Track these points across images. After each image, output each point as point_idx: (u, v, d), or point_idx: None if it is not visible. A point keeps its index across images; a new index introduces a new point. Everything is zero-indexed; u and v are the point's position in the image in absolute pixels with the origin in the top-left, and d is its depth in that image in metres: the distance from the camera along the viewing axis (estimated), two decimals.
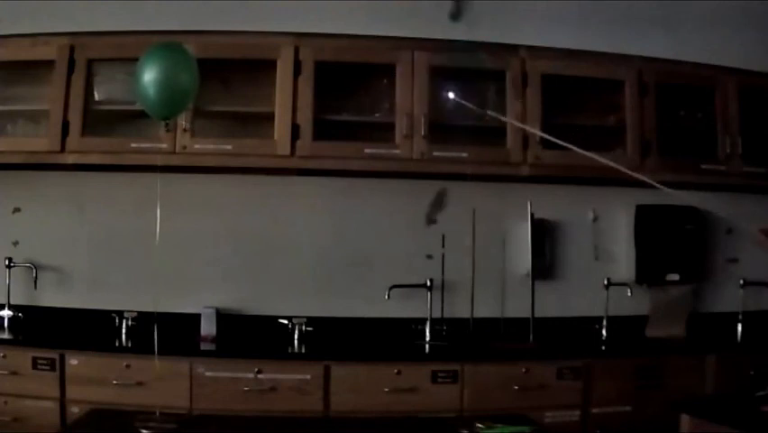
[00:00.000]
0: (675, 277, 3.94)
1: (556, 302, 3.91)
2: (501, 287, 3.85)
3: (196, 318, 3.62)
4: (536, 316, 3.83)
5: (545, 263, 3.92)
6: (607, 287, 3.86)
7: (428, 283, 3.80)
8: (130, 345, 3.43)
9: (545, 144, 3.64)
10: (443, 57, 3.64)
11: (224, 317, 3.66)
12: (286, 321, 3.65)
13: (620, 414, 3.36)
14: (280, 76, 3.55)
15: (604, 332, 3.86)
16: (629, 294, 3.84)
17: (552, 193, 3.91)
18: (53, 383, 3.18)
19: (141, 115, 3.28)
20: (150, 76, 2.52)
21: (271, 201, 3.86)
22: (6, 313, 3.62)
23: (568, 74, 3.71)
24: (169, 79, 2.53)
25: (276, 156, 3.54)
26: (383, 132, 3.67)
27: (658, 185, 2.47)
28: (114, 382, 3.17)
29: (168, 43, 2.71)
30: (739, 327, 3.96)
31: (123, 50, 3.46)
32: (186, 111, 3.13)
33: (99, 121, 3.56)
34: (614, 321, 3.86)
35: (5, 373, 3.19)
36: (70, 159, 3.49)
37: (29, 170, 3.72)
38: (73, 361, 3.20)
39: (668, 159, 3.74)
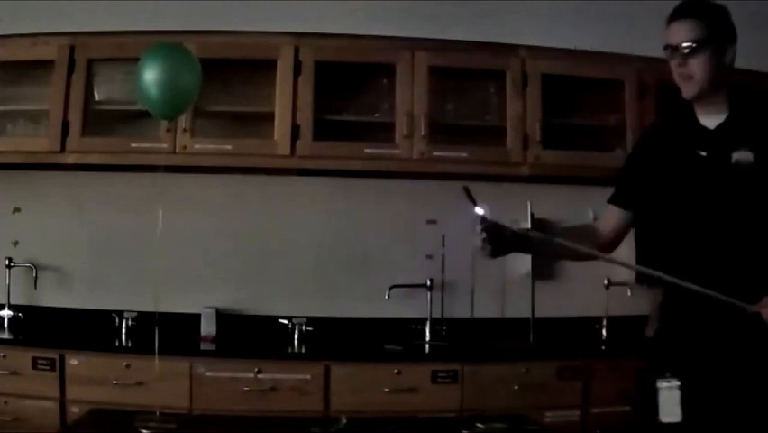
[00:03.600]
0: None
1: (556, 302, 3.91)
2: (501, 287, 3.85)
3: (196, 318, 3.62)
4: (536, 316, 3.83)
5: (545, 263, 3.91)
6: (607, 287, 3.86)
7: (428, 283, 3.80)
8: (130, 345, 3.43)
9: (545, 144, 3.65)
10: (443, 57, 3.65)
11: (223, 317, 3.66)
12: (286, 321, 3.65)
13: (620, 414, 3.35)
14: (280, 76, 3.55)
15: (604, 332, 3.86)
16: (629, 294, 3.84)
17: (552, 193, 3.90)
18: (53, 383, 3.18)
19: (141, 115, 3.30)
20: (152, 76, 2.52)
21: (271, 201, 3.86)
22: (6, 313, 3.62)
23: (568, 74, 3.71)
24: (171, 80, 2.53)
25: (276, 156, 3.54)
26: (383, 132, 3.68)
27: None
28: (114, 382, 3.17)
29: (170, 43, 2.72)
30: None
31: (123, 50, 3.46)
32: (186, 110, 3.13)
33: (99, 121, 3.56)
34: (614, 321, 3.86)
35: (5, 373, 3.19)
36: (70, 159, 3.49)
37: (29, 170, 3.72)
38: (73, 361, 3.20)
39: None
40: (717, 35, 2.12)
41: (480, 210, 2.07)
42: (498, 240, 2.14)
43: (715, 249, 2.09)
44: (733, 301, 1.98)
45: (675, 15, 2.15)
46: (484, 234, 2.10)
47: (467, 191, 2.06)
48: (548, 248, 2.34)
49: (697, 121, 2.19)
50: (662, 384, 2.11)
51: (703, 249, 2.11)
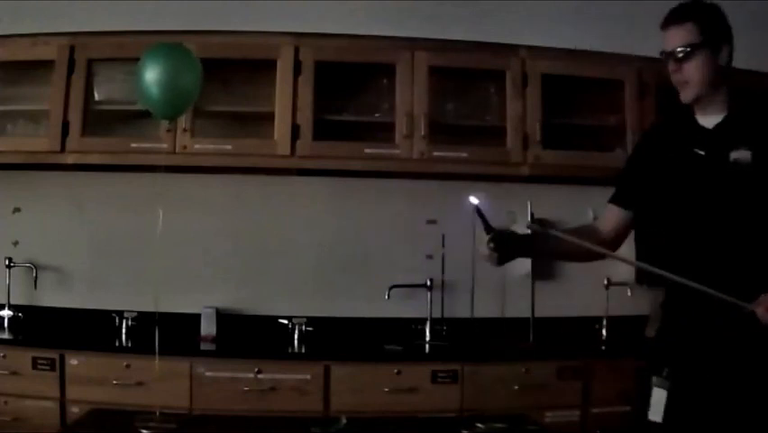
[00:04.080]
0: None
1: (556, 302, 3.91)
2: (501, 287, 3.85)
3: (196, 318, 3.62)
4: (536, 316, 3.83)
5: (545, 263, 3.91)
6: (607, 287, 3.86)
7: (428, 283, 3.80)
8: (130, 345, 3.43)
9: (545, 144, 3.65)
10: (443, 57, 3.65)
11: (223, 317, 3.66)
12: (286, 321, 3.65)
13: (620, 414, 3.35)
14: (280, 76, 3.55)
15: (604, 332, 3.86)
16: (629, 294, 3.84)
17: (552, 193, 3.90)
18: (53, 383, 3.18)
19: (141, 115, 3.31)
20: (153, 76, 2.52)
21: (271, 201, 3.86)
22: (6, 313, 3.62)
23: (568, 74, 3.71)
24: (172, 79, 2.53)
25: (276, 156, 3.54)
26: (383, 132, 3.68)
27: None
28: (114, 382, 3.17)
29: (170, 43, 2.72)
30: None
31: (123, 50, 3.46)
32: (187, 111, 3.13)
33: (99, 121, 3.56)
34: (614, 321, 3.86)
35: (5, 373, 3.19)
36: (70, 159, 3.49)
37: (29, 170, 3.72)
38: (73, 361, 3.20)
39: None
40: (711, 36, 2.12)
41: (475, 200, 2.06)
42: (505, 248, 2.15)
43: (714, 248, 2.09)
44: (729, 299, 1.98)
45: (667, 21, 2.16)
46: (492, 245, 2.10)
47: (480, 214, 2.06)
48: (549, 247, 2.33)
49: (695, 121, 2.20)
50: (655, 383, 2.12)
51: (702, 248, 2.11)
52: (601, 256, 2.32)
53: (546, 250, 2.31)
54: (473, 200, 2.05)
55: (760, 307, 1.95)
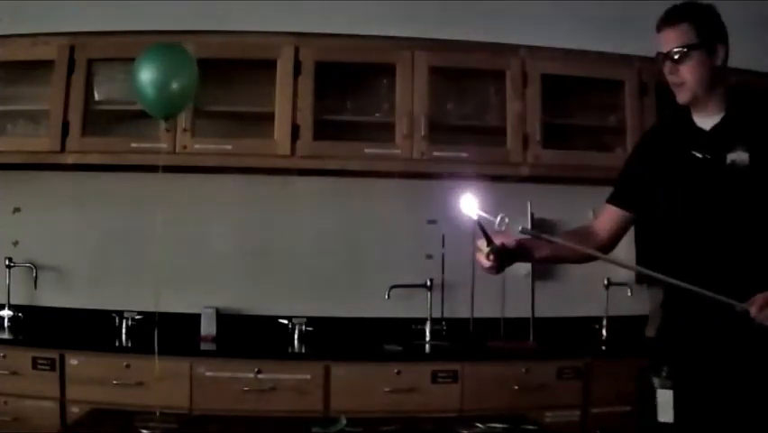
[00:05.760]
0: None
1: (556, 302, 3.91)
2: (501, 287, 3.85)
3: (196, 318, 3.62)
4: (536, 316, 3.83)
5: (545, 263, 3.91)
6: (607, 287, 3.86)
7: (428, 283, 3.80)
8: (130, 345, 3.43)
9: (545, 144, 3.65)
10: (443, 57, 3.65)
11: (223, 317, 3.66)
12: (286, 321, 3.65)
13: (620, 414, 3.35)
14: (280, 76, 3.55)
15: (604, 332, 3.86)
16: (629, 294, 3.84)
17: (552, 193, 3.90)
18: (53, 383, 3.18)
19: (141, 115, 3.28)
20: (148, 76, 2.52)
21: (271, 201, 3.86)
22: (6, 313, 3.63)
23: (568, 74, 3.71)
24: (167, 79, 2.54)
25: (276, 156, 3.54)
26: (383, 132, 3.68)
27: None
28: (114, 382, 3.17)
29: (166, 43, 2.72)
30: None
31: (123, 50, 3.45)
32: (186, 110, 3.13)
33: (99, 121, 3.57)
34: (614, 321, 3.86)
35: (5, 373, 3.19)
36: (70, 159, 3.49)
37: (29, 170, 3.72)
38: (73, 361, 3.20)
39: None
40: (707, 37, 2.11)
41: (476, 213, 2.05)
42: (505, 259, 2.14)
43: (711, 249, 2.10)
44: (722, 299, 1.98)
45: (663, 22, 2.15)
46: (492, 256, 2.10)
47: (481, 228, 2.05)
48: (546, 251, 2.32)
49: (693, 122, 2.20)
50: (659, 384, 2.12)
51: (700, 250, 2.12)
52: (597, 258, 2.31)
53: (544, 254, 2.30)
54: (474, 214, 2.04)
55: (753, 306, 1.96)
